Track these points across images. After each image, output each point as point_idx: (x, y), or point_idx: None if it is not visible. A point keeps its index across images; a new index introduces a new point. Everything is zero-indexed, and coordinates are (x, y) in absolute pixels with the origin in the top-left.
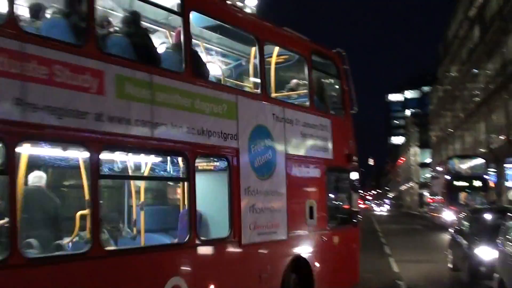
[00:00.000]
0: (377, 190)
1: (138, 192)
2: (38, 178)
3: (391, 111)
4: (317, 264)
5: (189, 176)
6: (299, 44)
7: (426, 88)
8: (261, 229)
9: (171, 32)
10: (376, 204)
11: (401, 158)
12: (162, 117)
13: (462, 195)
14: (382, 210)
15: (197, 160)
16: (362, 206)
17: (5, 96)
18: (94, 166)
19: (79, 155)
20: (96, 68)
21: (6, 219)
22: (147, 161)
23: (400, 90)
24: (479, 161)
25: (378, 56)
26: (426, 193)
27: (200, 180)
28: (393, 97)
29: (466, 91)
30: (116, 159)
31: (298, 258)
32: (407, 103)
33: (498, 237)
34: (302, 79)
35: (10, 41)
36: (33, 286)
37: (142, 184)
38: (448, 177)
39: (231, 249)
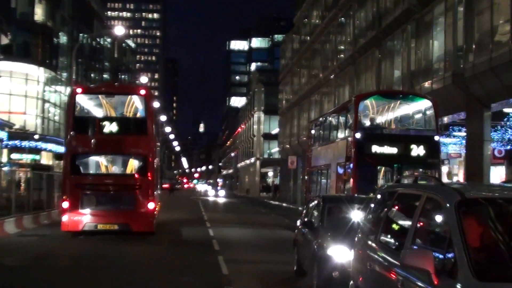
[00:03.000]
0: (208, 166)
1: None
2: None
3: (232, 63)
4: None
5: None
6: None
7: (278, 37)
8: None
9: None
10: (210, 185)
11: (242, 125)
12: None
13: (382, 173)
14: (219, 194)
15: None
16: (186, 185)
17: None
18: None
19: None
20: None
21: None
22: None
23: (245, 37)
24: (422, 104)
25: None
26: (270, 173)
27: None
28: (236, 44)
29: (329, 45)
30: None
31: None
32: (252, 54)
33: (356, 234)
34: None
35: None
36: None
37: None
38: (358, 136)
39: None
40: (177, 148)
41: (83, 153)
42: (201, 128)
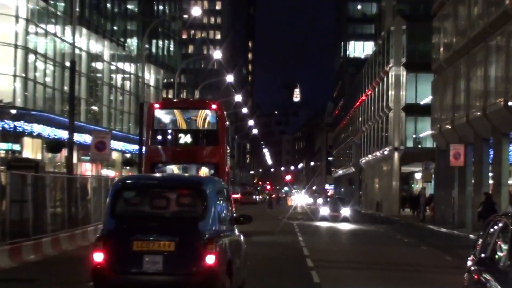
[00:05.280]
0: (309, 163)
1: None
2: None
3: None
4: None
5: None
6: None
7: None
8: None
9: None
10: (314, 196)
11: (367, 91)
12: None
13: None
14: (342, 214)
15: None
16: (257, 197)
17: None
18: None
19: None
20: None
21: None
22: None
23: None
24: None
25: None
26: (417, 176)
27: None
28: None
29: None
30: None
31: None
32: None
33: None
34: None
35: None
36: None
37: None
38: None
39: None
40: (255, 131)
41: (161, 162)
42: (296, 96)
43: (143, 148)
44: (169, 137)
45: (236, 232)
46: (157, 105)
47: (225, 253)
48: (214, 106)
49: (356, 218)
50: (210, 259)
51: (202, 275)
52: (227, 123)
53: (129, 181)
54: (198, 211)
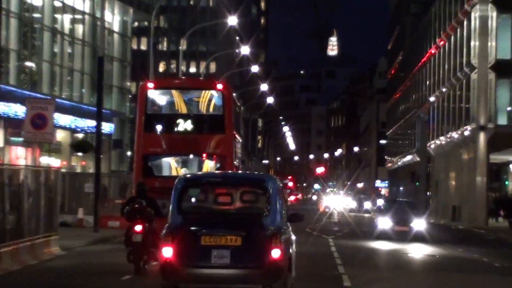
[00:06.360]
0: (353, 148)
1: None
2: None
3: None
4: None
5: None
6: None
7: None
8: None
9: None
10: (356, 197)
11: (439, 41)
12: None
13: None
14: (413, 228)
15: None
16: (293, 197)
17: None
18: None
19: None
20: None
21: None
22: None
23: None
24: None
25: None
26: None
27: None
28: None
29: None
30: None
31: None
32: None
33: None
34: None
35: None
36: None
37: None
38: None
39: None
40: (270, 100)
41: (156, 153)
42: (333, 48)
43: (134, 134)
44: (166, 123)
45: (290, 229)
46: (151, 84)
47: (287, 248)
48: (220, 86)
49: (434, 234)
50: (276, 253)
51: (268, 268)
52: (238, 106)
53: (192, 179)
54: (262, 207)
